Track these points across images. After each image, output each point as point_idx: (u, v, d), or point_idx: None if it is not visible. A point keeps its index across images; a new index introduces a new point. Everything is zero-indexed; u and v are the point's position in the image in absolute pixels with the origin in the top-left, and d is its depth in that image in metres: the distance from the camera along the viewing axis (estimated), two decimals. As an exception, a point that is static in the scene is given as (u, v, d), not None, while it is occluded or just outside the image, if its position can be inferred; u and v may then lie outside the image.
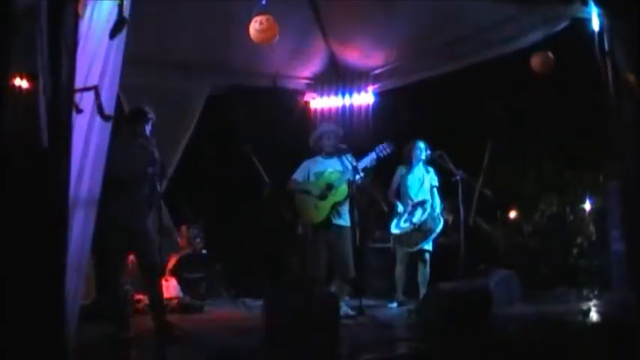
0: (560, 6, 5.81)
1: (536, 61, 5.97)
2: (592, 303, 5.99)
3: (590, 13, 5.58)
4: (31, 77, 3.09)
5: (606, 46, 5.39)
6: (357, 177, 5.72)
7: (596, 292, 6.35)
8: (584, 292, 6.44)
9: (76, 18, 3.24)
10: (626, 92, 5.31)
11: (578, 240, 7.33)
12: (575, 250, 7.29)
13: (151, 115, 4.88)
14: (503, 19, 6.35)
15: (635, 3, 5.19)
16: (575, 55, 6.16)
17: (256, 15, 5.03)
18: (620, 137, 5.31)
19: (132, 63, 4.03)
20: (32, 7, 3.04)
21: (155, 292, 4.85)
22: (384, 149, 5.84)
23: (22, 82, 3.21)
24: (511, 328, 5.13)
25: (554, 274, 7.24)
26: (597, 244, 7.12)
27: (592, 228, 7.35)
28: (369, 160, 5.83)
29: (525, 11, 6.04)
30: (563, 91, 7.38)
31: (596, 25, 5.51)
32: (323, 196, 5.81)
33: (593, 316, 5.35)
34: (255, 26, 5.07)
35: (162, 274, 5.95)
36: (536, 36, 6.14)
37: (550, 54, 6.02)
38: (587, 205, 7.55)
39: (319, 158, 6.02)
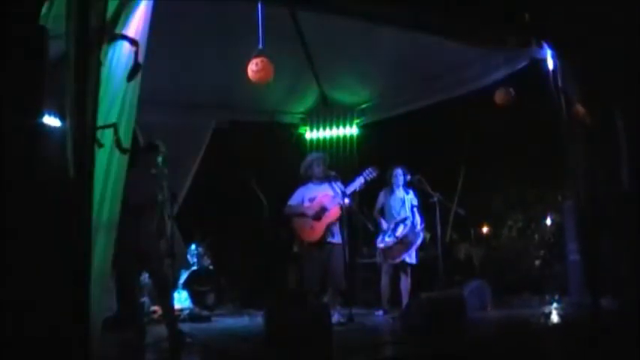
0: (519, 48, 5.95)
1: (499, 96, 6.06)
2: (553, 306, 6.05)
3: (545, 55, 5.75)
4: (61, 117, 3.16)
5: (559, 82, 5.53)
6: (347, 200, 5.76)
7: (556, 297, 6.39)
8: (546, 297, 6.48)
9: (99, 65, 3.30)
10: (576, 121, 5.44)
11: (541, 252, 7.40)
12: (538, 261, 7.35)
13: (163, 149, 4.90)
14: (472, 59, 6.45)
15: (582, 47, 5.34)
16: (533, 90, 6.27)
17: (254, 57, 5.05)
18: (573, 161, 5.41)
19: (146, 102, 4.08)
20: (62, 57, 3.12)
21: (167, 304, 4.86)
22: (370, 173, 5.87)
23: (53, 121, 3.27)
24: (483, 330, 5.16)
25: (521, 281, 7.31)
26: (557, 255, 7.19)
27: (552, 241, 7.43)
28: (357, 184, 5.84)
29: (491, 52, 6.16)
30: (524, 122, 7.49)
31: (550, 64, 5.67)
32: (317, 218, 5.84)
33: (554, 317, 5.42)
34: (252, 67, 5.03)
35: (173, 288, 5.96)
36: (500, 74, 6.20)
37: (511, 89, 6.13)
38: (548, 221, 7.62)
39: (311, 185, 6.01)
